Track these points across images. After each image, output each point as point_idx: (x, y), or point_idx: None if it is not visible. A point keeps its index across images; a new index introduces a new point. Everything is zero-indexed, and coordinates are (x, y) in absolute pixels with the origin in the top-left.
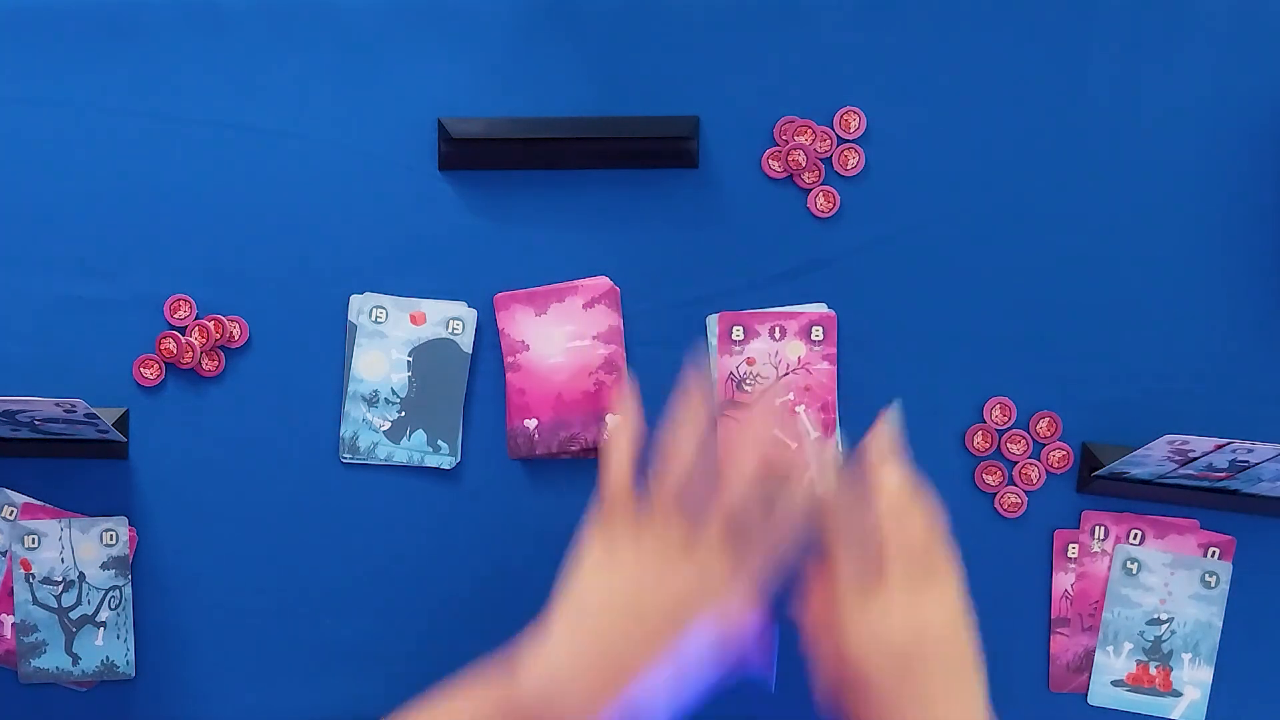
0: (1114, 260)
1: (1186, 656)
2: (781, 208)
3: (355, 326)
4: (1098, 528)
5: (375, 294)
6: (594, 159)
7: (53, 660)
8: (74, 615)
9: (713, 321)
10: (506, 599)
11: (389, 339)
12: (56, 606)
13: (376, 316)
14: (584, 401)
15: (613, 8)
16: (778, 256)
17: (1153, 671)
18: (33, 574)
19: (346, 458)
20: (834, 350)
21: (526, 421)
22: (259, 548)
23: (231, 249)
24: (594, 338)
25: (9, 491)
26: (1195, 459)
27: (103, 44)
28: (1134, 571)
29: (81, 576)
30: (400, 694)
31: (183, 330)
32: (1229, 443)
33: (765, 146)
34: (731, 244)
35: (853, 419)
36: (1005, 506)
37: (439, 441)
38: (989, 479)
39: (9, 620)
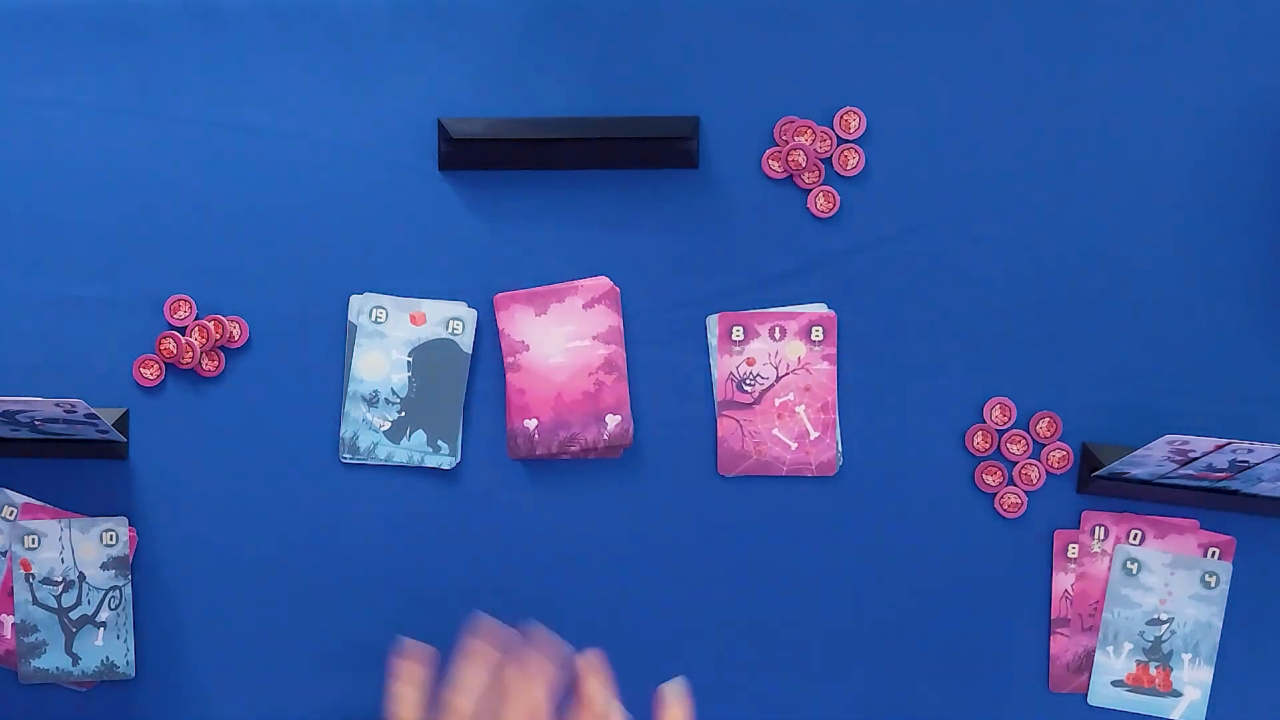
0: (1114, 260)
1: (1186, 657)
2: (781, 208)
3: (355, 326)
4: (1098, 528)
5: (375, 294)
6: (594, 159)
7: (53, 660)
8: (74, 615)
9: (713, 321)
10: (506, 599)
11: (389, 339)
12: (56, 606)
13: (376, 316)
14: (584, 401)
15: (613, 8)
16: (778, 257)
17: (1153, 672)
18: (33, 574)
19: (346, 458)
20: (834, 350)
21: (526, 422)
22: (259, 548)
23: (231, 249)
24: (594, 338)
25: (9, 491)
26: (1195, 459)
27: (103, 44)
28: (1134, 572)
29: (81, 577)
30: None
31: (183, 330)
32: (1229, 443)
33: (765, 146)
34: (731, 244)
35: (853, 419)
36: (1005, 507)
37: (439, 441)
38: (989, 479)
39: (9, 620)
